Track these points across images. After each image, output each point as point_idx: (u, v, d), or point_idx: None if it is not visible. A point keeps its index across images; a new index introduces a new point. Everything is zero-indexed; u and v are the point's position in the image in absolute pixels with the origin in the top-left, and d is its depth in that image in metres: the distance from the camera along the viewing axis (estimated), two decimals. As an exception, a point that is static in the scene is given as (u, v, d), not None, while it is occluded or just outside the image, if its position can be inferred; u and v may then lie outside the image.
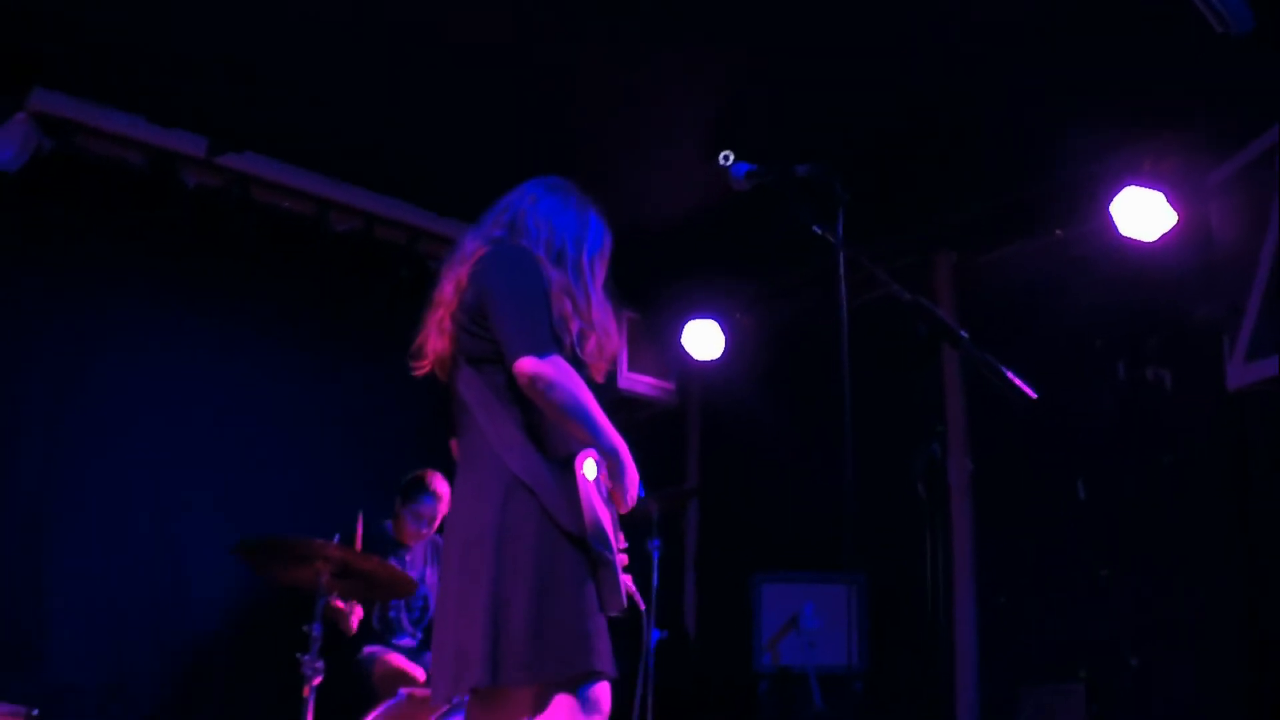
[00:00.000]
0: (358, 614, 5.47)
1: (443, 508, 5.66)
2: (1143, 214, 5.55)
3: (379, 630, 5.62)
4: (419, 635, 5.70)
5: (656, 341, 7.80)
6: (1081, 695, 5.63)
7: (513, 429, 3.09)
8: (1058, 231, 6.17)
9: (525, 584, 2.93)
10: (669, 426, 8.22)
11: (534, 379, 2.97)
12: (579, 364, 3.16)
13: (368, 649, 5.54)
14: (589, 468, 3.03)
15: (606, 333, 3.29)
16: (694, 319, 7.49)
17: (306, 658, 4.54)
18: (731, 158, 3.03)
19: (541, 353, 2.98)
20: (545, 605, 2.93)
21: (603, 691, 3.04)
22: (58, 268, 5.76)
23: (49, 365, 5.70)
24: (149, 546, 5.85)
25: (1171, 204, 5.49)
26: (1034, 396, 2.37)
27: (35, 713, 4.53)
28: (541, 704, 2.99)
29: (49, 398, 5.68)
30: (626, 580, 3.17)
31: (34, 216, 5.66)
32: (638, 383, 7.67)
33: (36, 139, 5.44)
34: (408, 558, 5.74)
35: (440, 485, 5.70)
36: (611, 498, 3.19)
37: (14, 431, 5.56)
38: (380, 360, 6.20)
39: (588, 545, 3.02)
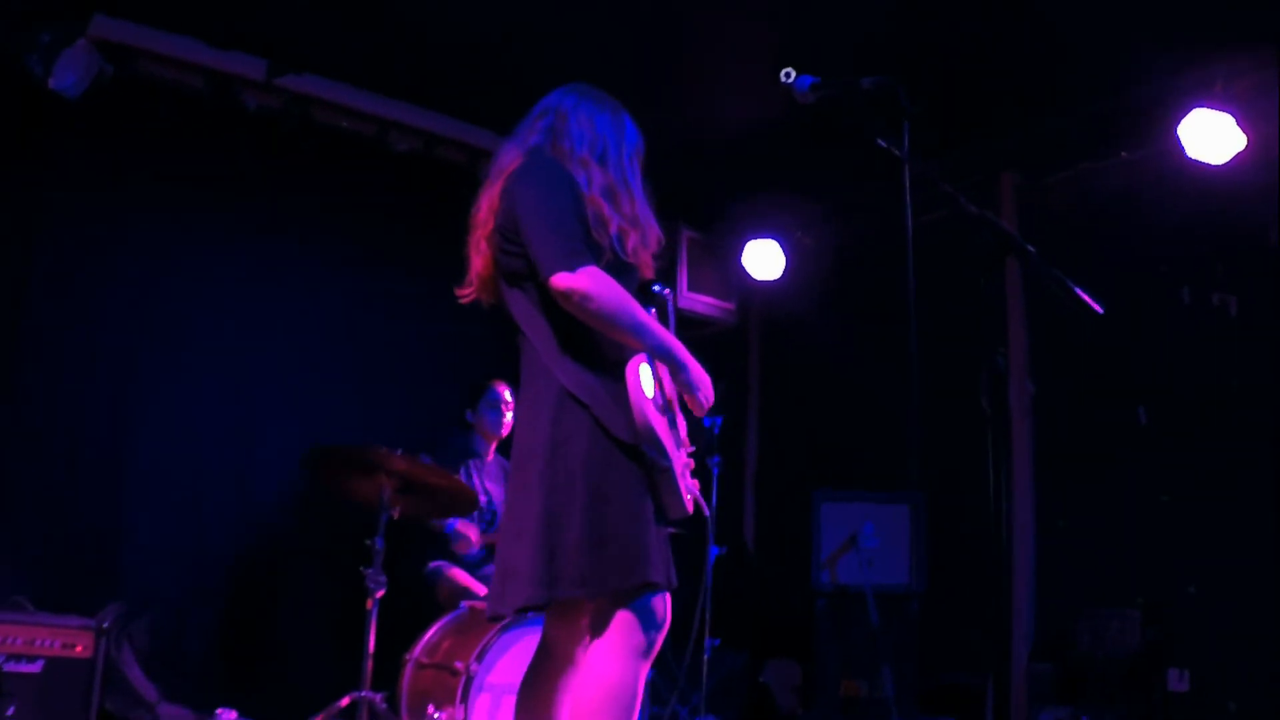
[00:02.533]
0: (474, 535, 5.56)
1: (510, 406, 5.86)
2: (1212, 136, 5.45)
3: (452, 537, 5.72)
4: (484, 548, 5.80)
5: (717, 261, 7.80)
6: (1138, 620, 5.62)
7: (561, 342, 3.06)
8: (1123, 153, 6.07)
9: (579, 498, 2.91)
10: (729, 346, 8.23)
11: (568, 294, 2.93)
12: (623, 266, 3.12)
13: (433, 564, 5.63)
14: (642, 371, 2.98)
15: (649, 226, 3.24)
16: (754, 238, 7.47)
17: (370, 571, 4.62)
18: (793, 74, 2.99)
19: (573, 266, 2.93)
20: (600, 518, 2.90)
21: (662, 603, 3.03)
22: (122, 191, 5.82)
23: (119, 287, 5.80)
24: (219, 462, 6.00)
25: (1242, 126, 5.38)
26: (1100, 311, 2.34)
27: (106, 625, 4.65)
28: (602, 623, 3.00)
29: (120, 319, 5.78)
30: (692, 485, 3.16)
31: (98, 141, 5.73)
32: (698, 302, 7.68)
33: (98, 65, 5.48)
34: (485, 468, 5.83)
35: (503, 385, 5.88)
36: (669, 406, 3.18)
37: (88, 352, 5.67)
38: (442, 279, 6.23)
39: (642, 453, 2.98)
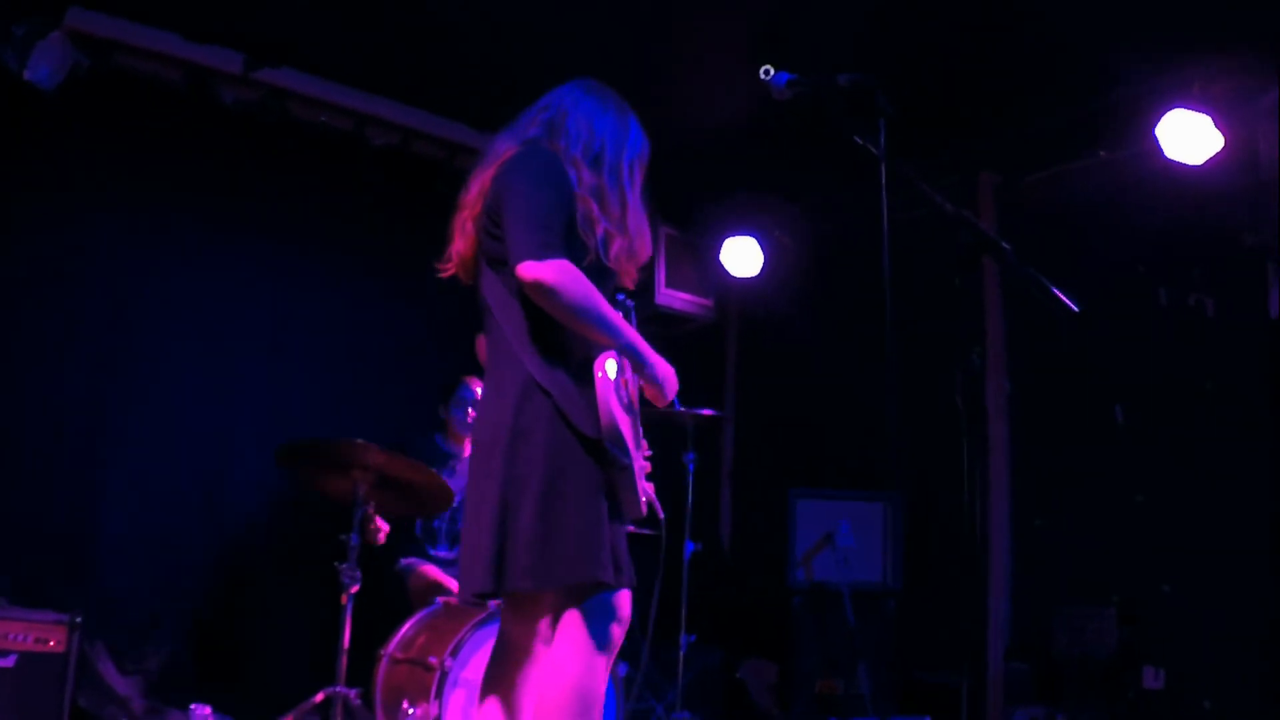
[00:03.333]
0: (385, 529, 5.53)
1: None
2: (1189, 137, 5.47)
3: (420, 538, 5.69)
4: (458, 546, 5.77)
5: (695, 258, 7.79)
6: (1113, 619, 5.65)
7: (531, 331, 3.06)
8: (1101, 153, 6.08)
9: (533, 489, 2.91)
10: (707, 342, 8.22)
11: (534, 284, 2.93)
12: (603, 270, 3.12)
13: (404, 560, 5.61)
14: (610, 367, 2.97)
15: (640, 237, 3.25)
16: (733, 236, 7.48)
17: (345, 566, 4.60)
18: (771, 71, 3.00)
19: (541, 256, 2.92)
20: (553, 511, 2.91)
21: (622, 599, 3.04)
22: (97, 185, 5.78)
23: (94, 281, 5.76)
24: (195, 457, 5.95)
25: (1219, 127, 5.40)
26: (1076, 310, 2.35)
27: (79, 620, 4.63)
28: (560, 618, 3.01)
29: (95, 314, 5.74)
30: (647, 488, 3.14)
31: (74, 134, 5.68)
32: (675, 299, 7.67)
33: (73, 57, 5.45)
34: (458, 468, 5.80)
35: (476, 381, 5.81)
36: (643, 394, 3.18)
37: (64, 348, 5.63)
38: (419, 274, 6.22)
39: (603, 449, 2.97)
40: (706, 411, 6.00)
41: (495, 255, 3.12)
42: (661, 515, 3.29)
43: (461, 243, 3.25)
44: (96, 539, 5.59)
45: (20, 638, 4.49)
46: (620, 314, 3.16)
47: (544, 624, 3.09)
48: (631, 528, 3.18)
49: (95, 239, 5.77)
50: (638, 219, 3.26)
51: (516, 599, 3.10)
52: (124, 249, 5.85)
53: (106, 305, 5.77)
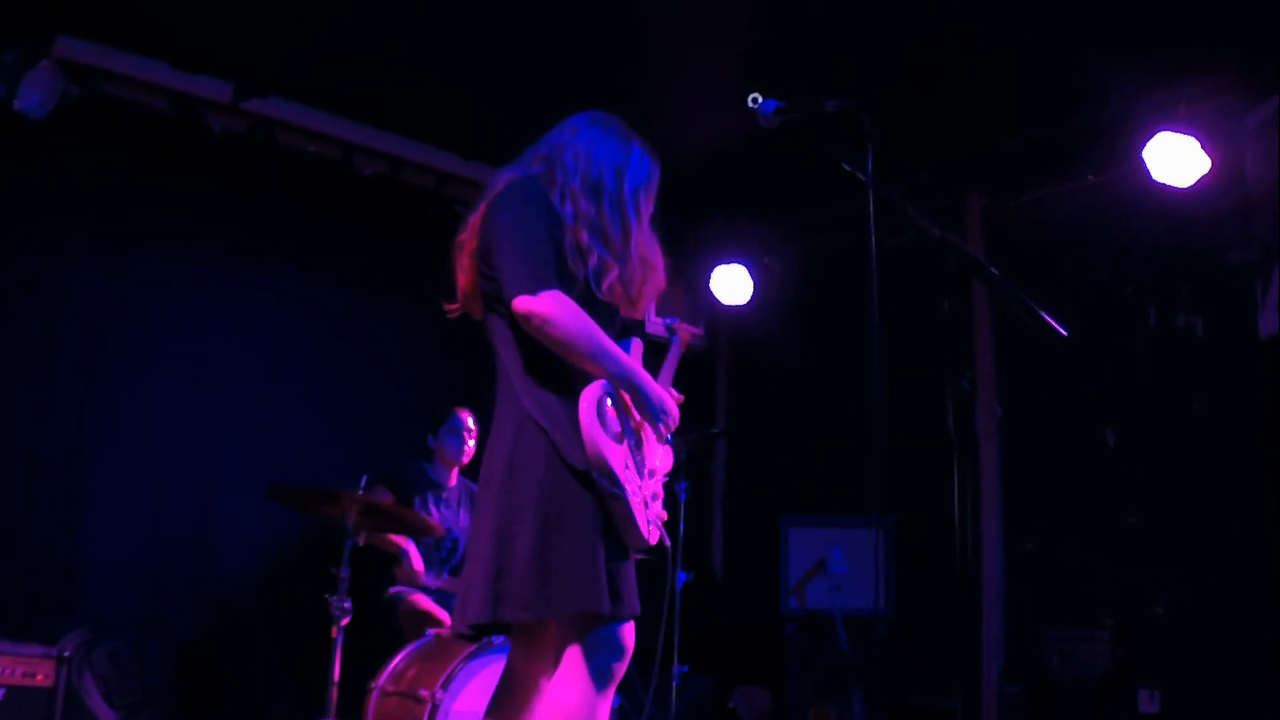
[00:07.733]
0: (415, 556, 5.52)
1: (472, 434, 5.83)
2: (1176, 159, 5.48)
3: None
4: (445, 575, 5.74)
5: (685, 286, 7.77)
6: (1107, 641, 5.63)
7: (528, 366, 3.06)
8: (1089, 176, 6.10)
9: (529, 521, 2.91)
10: (698, 370, 8.19)
11: (528, 316, 2.92)
12: (593, 301, 3.08)
13: (393, 589, 5.58)
14: (594, 398, 2.97)
15: (650, 267, 3.24)
16: (722, 263, 7.46)
17: (335, 599, 4.58)
18: (760, 99, 2.99)
19: (534, 289, 2.91)
20: (549, 543, 2.89)
21: (625, 632, 3.01)
22: (86, 213, 5.77)
23: (81, 310, 5.74)
24: (181, 488, 5.91)
25: (1206, 149, 5.41)
26: (1065, 334, 2.34)
27: (67, 654, 4.59)
28: (562, 650, 2.98)
29: (81, 344, 5.72)
30: (655, 514, 3.14)
31: (62, 163, 5.68)
32: (665, 326, 7.64)
33: (63, 86, 5.46)
34: (445, 496, 5.79)
35: (466, 412, 5.83)
36: (634, 428, 3.16)
37: (49, 377, 5.61)
38: (407, 303, 6.26)
39: (595, 481, 2.96)
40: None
41: (490, 294, 3.13)
42: (668, 542, 3.27)
43: (464, 279, 3.23)
44: (81, 571, 5.55)
45: (8, 671, 4.47)
46: (635, 342, 3.16)
47: (550, 660, 3.07)
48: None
49: (82, 266, 5.76)
50: (647, 247, 3.25)
51: (524, 634, 3.10)
52: (111, 276, 5.85)
53: (92, 333, 5.75)
